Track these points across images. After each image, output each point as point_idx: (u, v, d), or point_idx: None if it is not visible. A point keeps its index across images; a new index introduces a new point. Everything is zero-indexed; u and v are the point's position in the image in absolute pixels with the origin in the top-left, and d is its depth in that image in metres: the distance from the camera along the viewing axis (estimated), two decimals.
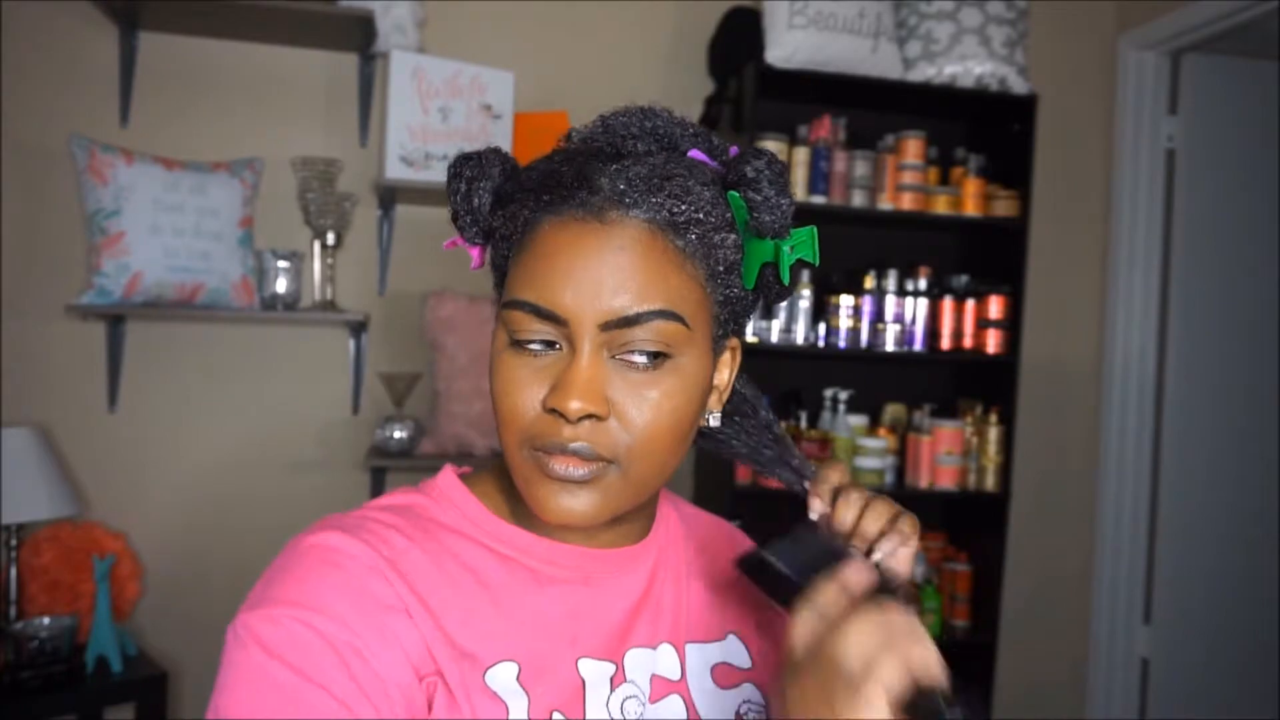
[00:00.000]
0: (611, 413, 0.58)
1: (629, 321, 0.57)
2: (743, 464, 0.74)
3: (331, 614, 0.55)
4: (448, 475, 0.69)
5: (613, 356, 0.59)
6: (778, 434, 0.72)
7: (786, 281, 0.62)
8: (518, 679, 0.60)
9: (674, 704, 0.66)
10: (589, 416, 0.58)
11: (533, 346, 0.59)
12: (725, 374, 0.67)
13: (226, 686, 0.54)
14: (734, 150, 0.65)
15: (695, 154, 0.64)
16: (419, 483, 0.69)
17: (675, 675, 0.67)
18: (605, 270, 0.57)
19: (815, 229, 0.61)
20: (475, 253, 0.67)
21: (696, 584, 0.73)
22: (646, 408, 0.59)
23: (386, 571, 0.58)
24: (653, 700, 0.65)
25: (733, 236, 0.61)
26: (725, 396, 0.67)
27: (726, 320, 0.64)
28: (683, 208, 0.59)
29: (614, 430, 0.58)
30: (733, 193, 0.61)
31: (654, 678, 0.66)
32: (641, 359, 0.59)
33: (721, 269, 0.61)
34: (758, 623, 0.75)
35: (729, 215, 0.61)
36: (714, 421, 0.67)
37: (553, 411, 0.58)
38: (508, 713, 0.58)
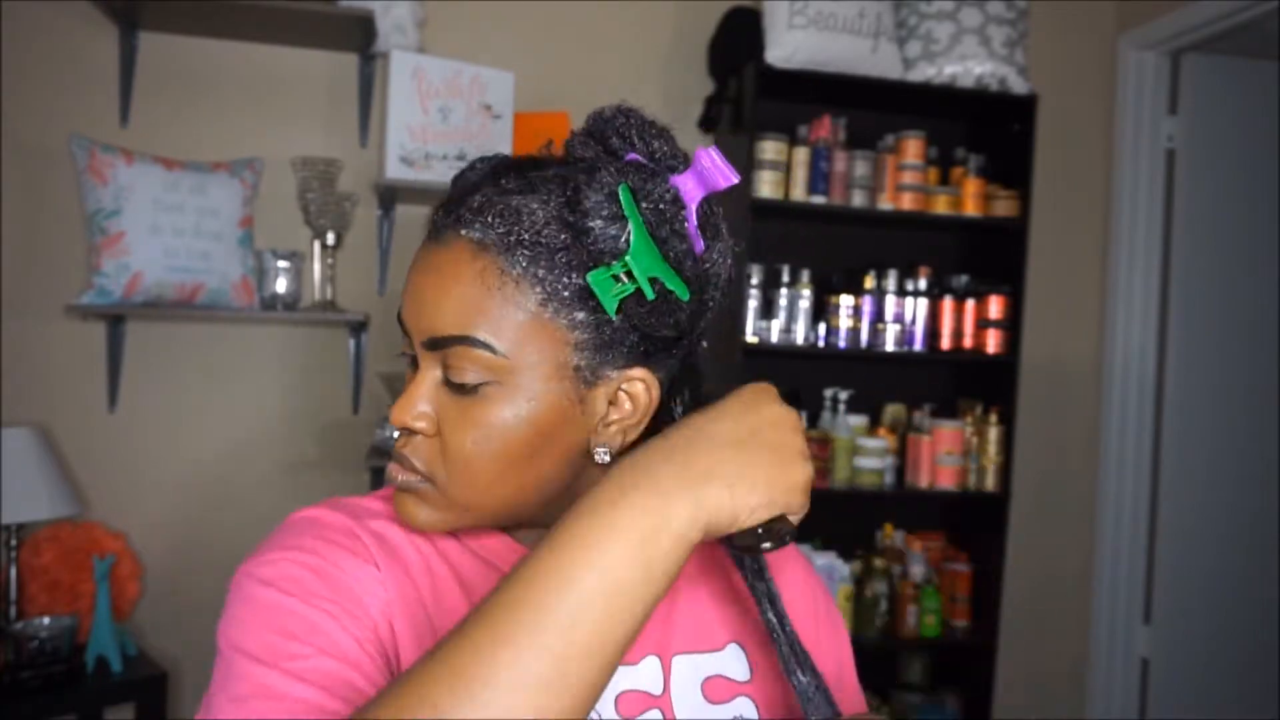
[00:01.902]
0: (438, 431, 0.60)
1: (436, 344, 0.58)
2: None
3: (314, 551, 0.58)
4: None
5: (444, 378, 0.59)
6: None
7: (611, 312, 0.57)
8: None
9: (654, 715, 0.64)
10: (407, 430, 0.60)
11: (409, 359, 0.63)
12: (625, 408, 0.61)
13: (231, 618, 0.57)
14: (699, 152, 0.59)
15: (631, 157, 0.60)
16: None
17: (657, 690, 0.65)
18: (426, 291, 0.59)
19: (633, 258, 0.56)
20: None
21: (700, 591, 0.70)
22: (463, 431, 0.59)
23: (367, 540, 0.61)
24: (627, 716, 0.63)
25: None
26: (630, 436, 0.62)
27: (601, 349, 0.58)
28: (509, 228, 0.57)
29: (432, 448, 0.60)
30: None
31: (625, 694, 0.63)
32: (462, 382, 0.58)
33: (567, 294, 0.57)
34: (763, 633, 0.72)
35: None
36: (603, 458, 0.61)
37: None
38: None
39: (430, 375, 0.60)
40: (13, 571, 1.95)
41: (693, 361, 0.66)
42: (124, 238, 1.96)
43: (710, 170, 0.58)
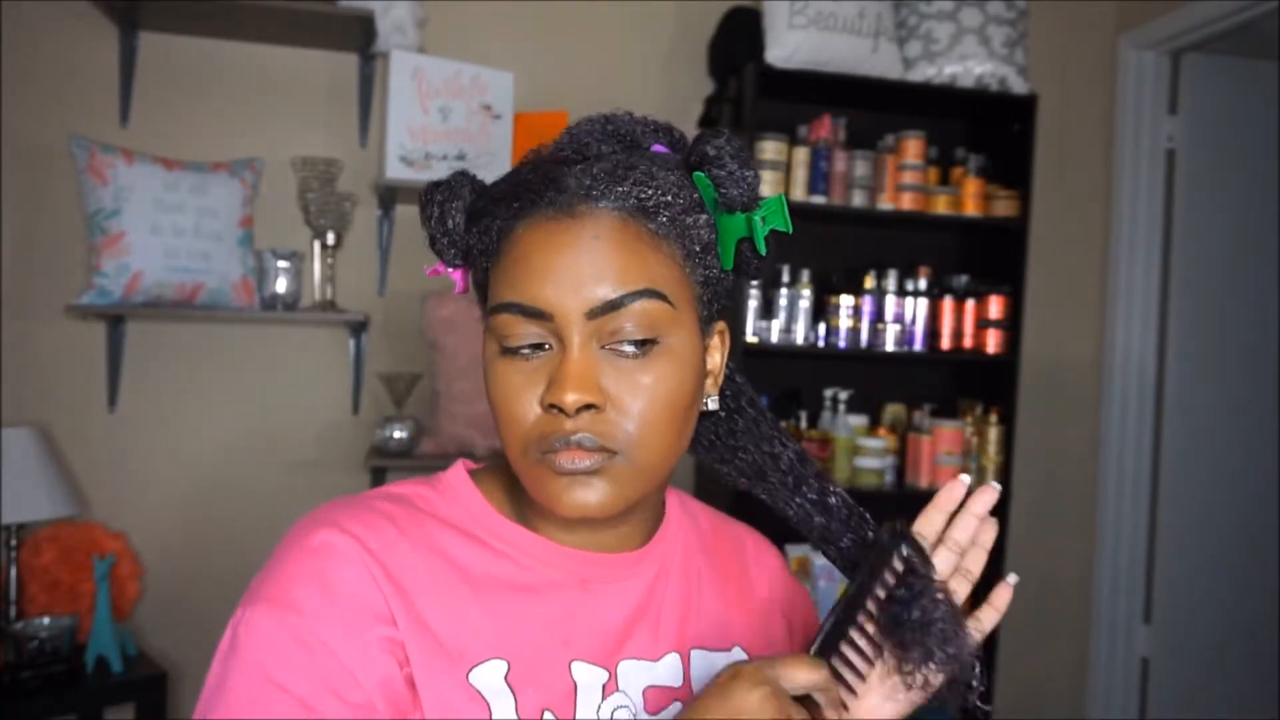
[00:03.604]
0: (608, 403, 0.59)
1: (613, 306, 0.58)
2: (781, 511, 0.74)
3: (307, 612, 0.56)
4: (457, 470, 0.69)
5: (602, 347, 0.59)
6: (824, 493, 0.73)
7: (763, 252, 0.62)
8: (506, 678, 0.59)
9: (675, 711, 0.65)
10: (587, 407, 0.58)
11: (523, 351, 0.60)
12: (717, 357, 0.68)
13: (207, 682, 0.57)
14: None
15: (657, 148, 0.65)
16: (432, 475, 0.70)
17: (677, 683, 0.66)
18: (583, 260, 0.58)
19: (783, 196, 0.62)
20: (458, 276, 0.67)
21: (708, 591, 0.72)
22: (641, 394, 0.59)
23: (374, 570, 0.59)
24: (652, 712, 0.64)
25: (704, 216, 0.62)
26: (720, 381, 0.69)
27: (710, 301, 0.64)
28: (650, 192, 0.60)
29: (613, 420, 0.59)
30: (698, 173, 0.62)
31: (650, 689, 0.65)
32: (631, 347, 0.59)
33: (698, 249, 0.62)
34: (764, 639, 0.74)
35: (697, 196, 0.62)
36: (712, 405, 0.68)
37: (552, 408, 0.58)
38: (490, 712, 0.58)
39: (589, 349, 0.59)
40: (13, 571, 1.95)
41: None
42: (124, 238, 1.96)
43: None
